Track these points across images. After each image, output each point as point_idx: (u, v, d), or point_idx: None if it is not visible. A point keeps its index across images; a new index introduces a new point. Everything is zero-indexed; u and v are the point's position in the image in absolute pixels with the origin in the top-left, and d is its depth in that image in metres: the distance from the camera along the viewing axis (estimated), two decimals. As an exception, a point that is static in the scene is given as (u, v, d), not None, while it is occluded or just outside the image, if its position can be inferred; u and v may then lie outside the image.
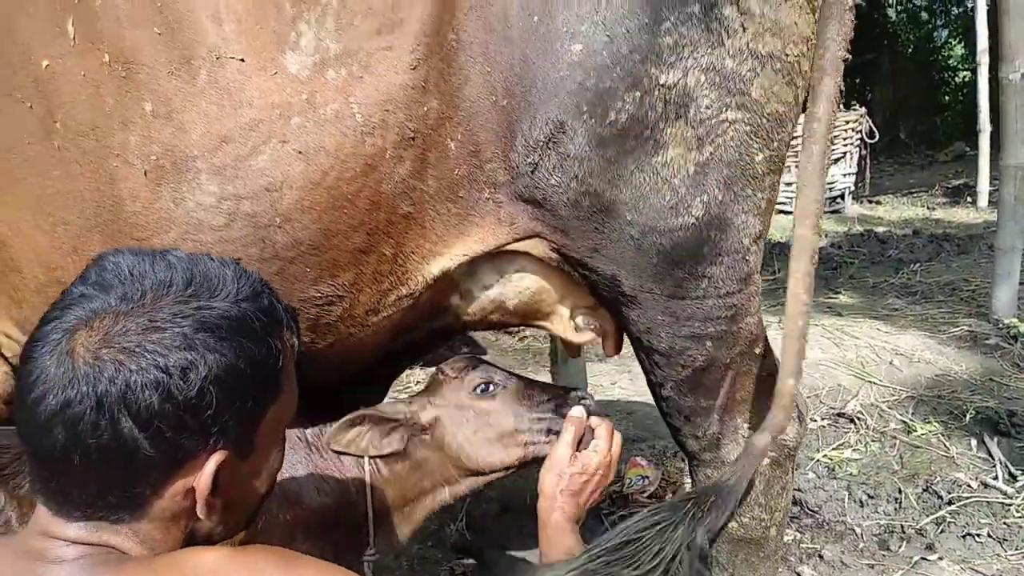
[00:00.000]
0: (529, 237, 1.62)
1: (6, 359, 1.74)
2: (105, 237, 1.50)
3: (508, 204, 1.57)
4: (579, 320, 1.86)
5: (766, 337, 1.83)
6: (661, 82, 1.45)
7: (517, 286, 1.76)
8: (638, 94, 1.45)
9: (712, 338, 1.68)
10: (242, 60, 1.42)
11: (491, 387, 1.71)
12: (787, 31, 1.51)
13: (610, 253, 1.58)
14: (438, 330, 1.89)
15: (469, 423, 1.69)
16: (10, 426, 1.65)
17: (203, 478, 0.99)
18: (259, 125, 1.43)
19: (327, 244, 1.52)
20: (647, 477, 3.34)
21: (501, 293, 1.77)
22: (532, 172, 1.52)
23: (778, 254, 7.78)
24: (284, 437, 1.16)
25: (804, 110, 1.64)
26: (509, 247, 1.63)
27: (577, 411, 1.62)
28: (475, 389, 1.71)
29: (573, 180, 1.50)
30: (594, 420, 1.63)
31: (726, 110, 1.50)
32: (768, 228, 1.72)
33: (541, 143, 1.48)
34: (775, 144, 1.58)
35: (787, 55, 1.52)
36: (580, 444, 1.59)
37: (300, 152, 1.44)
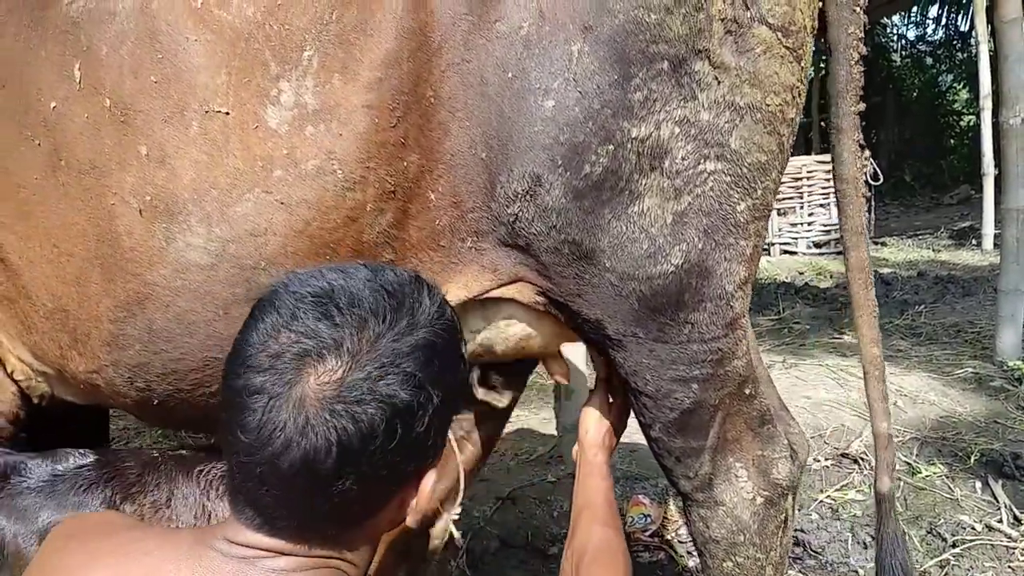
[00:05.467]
0: (513, 282, 1.63)
1: (16, 381, 1.82)
2: (104, 270, 1.58)
3: (491, 251, 1.59)
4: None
5: (756, 378, 1.83)
6: (633, 135, 1.46)
7: (504, 333, 1.78)
8: (611, 147, 1.46)
9: (698, 381, 1.68)
10: (227, 113, 1.48)
11: None
12: (767, 81, 1.51)
13: (592, 298, 1.59)
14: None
15: None
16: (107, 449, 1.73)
17: (423, 497, 1.06)
18: (243, 175, 1.49)
19: None
20: (649, 516, 3.34)
21: (488, 338, 1.79)
22: (513, 222, 1.54)
23: (782, 294, 7.78)
24: None
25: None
26: (494, 293, 1.65)
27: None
28: None
29: (552, 230, 1.52)
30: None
31: (704, 161, 1.51)
32: (755, 273, 1.73)
33: (520, 195, 1.50)
34: (759, 192, 1.58)
35: (768, 105, 1.52)
36: None
37: (282, 203, 1.49)
